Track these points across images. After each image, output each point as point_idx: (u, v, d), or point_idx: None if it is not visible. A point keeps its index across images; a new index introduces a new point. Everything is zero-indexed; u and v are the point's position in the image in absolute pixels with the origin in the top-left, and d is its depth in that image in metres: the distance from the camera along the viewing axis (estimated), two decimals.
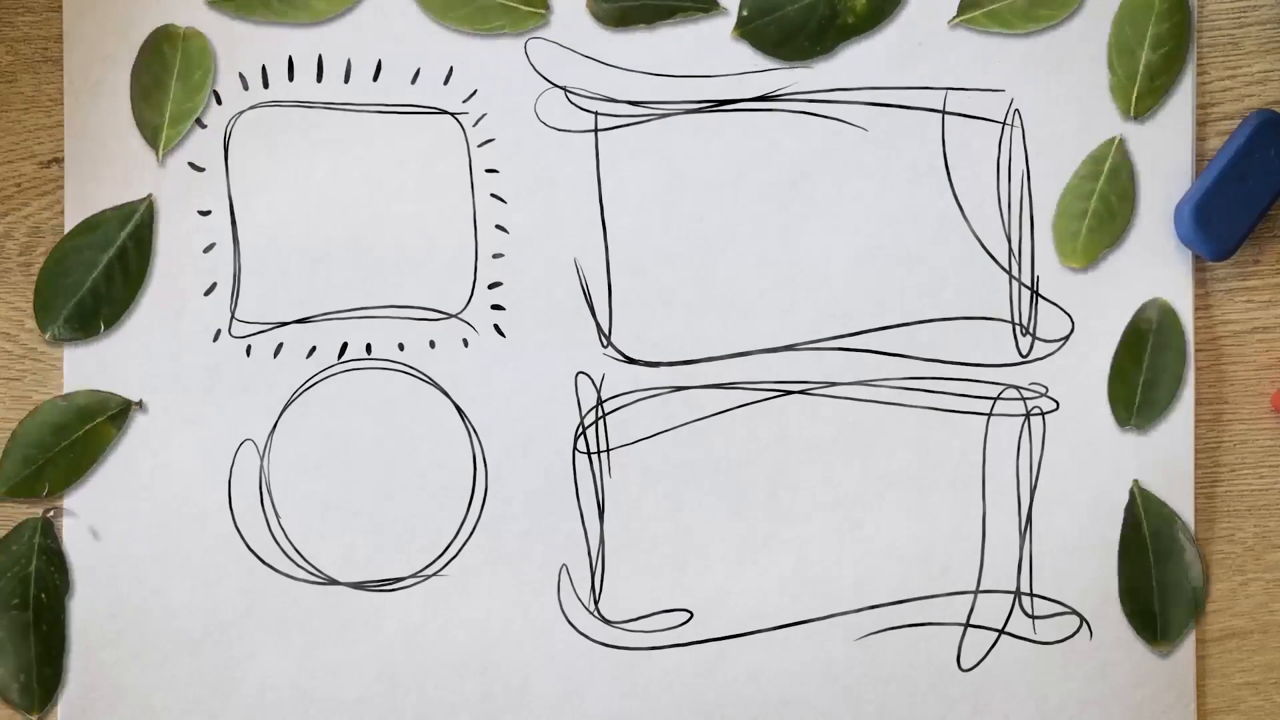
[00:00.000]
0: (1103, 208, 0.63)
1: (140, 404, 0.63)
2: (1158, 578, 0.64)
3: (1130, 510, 0.64)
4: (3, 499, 0.63)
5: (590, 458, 0.64)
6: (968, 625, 0.64)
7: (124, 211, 0.63)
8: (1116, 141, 0.63)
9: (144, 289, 0.63)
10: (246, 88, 0.63)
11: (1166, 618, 0.64)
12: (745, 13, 0.63)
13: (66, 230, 0.63)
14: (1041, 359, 0.64)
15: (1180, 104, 0.64)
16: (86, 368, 0.63)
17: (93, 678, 0.63)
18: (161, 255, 0.63)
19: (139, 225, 0.62)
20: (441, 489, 0.64)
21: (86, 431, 0.62)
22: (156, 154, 0.62)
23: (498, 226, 0.64)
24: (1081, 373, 0.64)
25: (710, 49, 0.63)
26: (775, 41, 0.63)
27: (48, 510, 0.63)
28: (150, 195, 0.63)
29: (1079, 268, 0.63)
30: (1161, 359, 0.63)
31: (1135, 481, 0.64)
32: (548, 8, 0.63)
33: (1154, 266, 0.64)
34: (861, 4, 0.62)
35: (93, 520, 0.63)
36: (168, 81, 0.62)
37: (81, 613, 0.63)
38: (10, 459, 0.62)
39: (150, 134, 0.62)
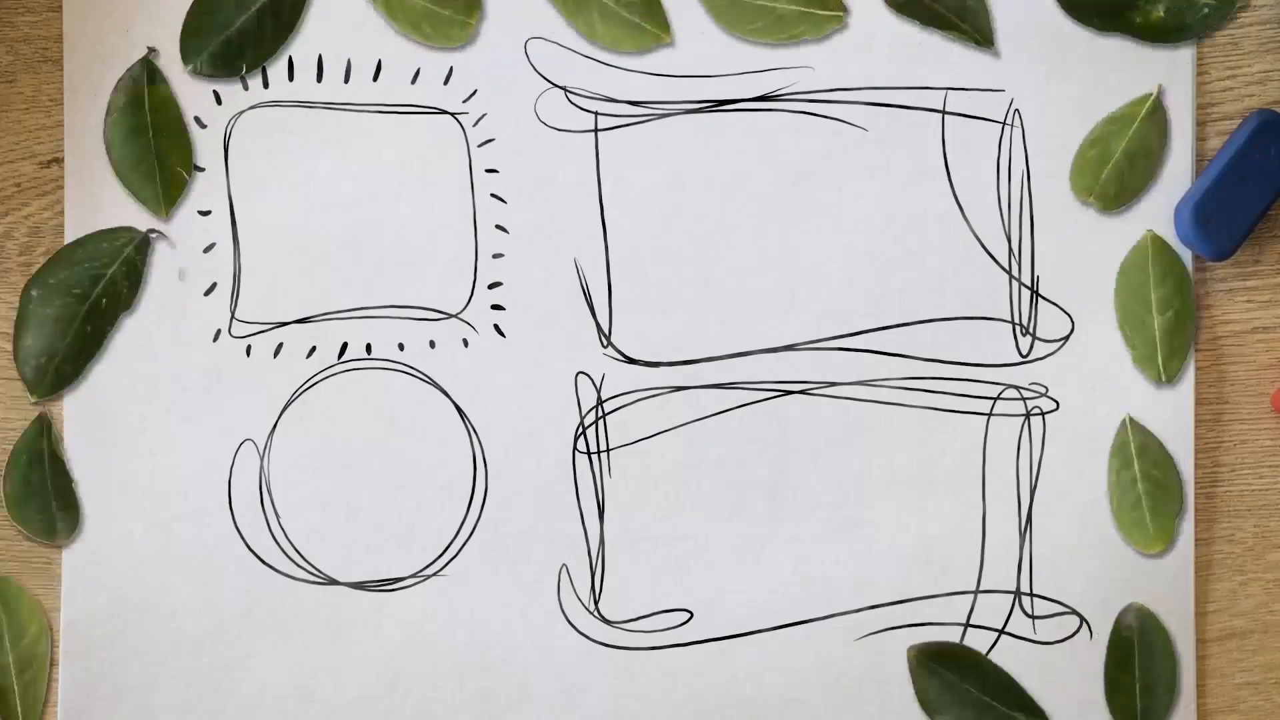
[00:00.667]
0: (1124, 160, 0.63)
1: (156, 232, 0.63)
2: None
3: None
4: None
5: (590, 458, 0.64)
6: (968, 625, 0.64)
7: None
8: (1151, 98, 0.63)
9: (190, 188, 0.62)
10: (246, 88, 0.63)
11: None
12: None
13: (66, 229, 0.63)
14: (1041, 359, 0.64)
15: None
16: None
17: (93, 677, 0.63)
18: (161, 255, 0.63)
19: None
20: (441, 489, 0.64)
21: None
22: (161, 213, 0.63)
23: (498, 226, 0.64)
24: (1081, 373, 0.64)
25: (711, 49, 0.63)
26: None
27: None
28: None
29: (1101, 207, 0.63)
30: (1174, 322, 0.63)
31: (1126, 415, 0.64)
32: (845, 9, 0.63)
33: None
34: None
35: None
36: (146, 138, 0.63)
37: (80, 612, 0.63)
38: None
39: (150, 200, 0.63)
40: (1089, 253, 0.64)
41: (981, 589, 0.64)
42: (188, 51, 0.62)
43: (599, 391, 0.64)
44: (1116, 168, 0.63)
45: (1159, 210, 0.64)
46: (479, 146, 0.64)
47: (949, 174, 0.64)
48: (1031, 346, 0.64)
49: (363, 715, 0.63)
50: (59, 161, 0.64)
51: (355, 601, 0.64)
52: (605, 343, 0.64)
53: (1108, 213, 0.63)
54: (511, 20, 0.63)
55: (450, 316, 0.64)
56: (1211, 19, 0.63)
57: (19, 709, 0.62)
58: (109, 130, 0.62)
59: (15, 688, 0.62)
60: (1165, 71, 0.63)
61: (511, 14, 0.63)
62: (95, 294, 0.62)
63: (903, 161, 0.64)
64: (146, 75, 0.62)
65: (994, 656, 0.64)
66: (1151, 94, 0.63)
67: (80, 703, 0.63)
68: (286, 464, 0.63)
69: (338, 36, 0.63)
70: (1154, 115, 0.63)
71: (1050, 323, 0.64)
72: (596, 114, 0.63)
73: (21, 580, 0.64)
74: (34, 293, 0.62)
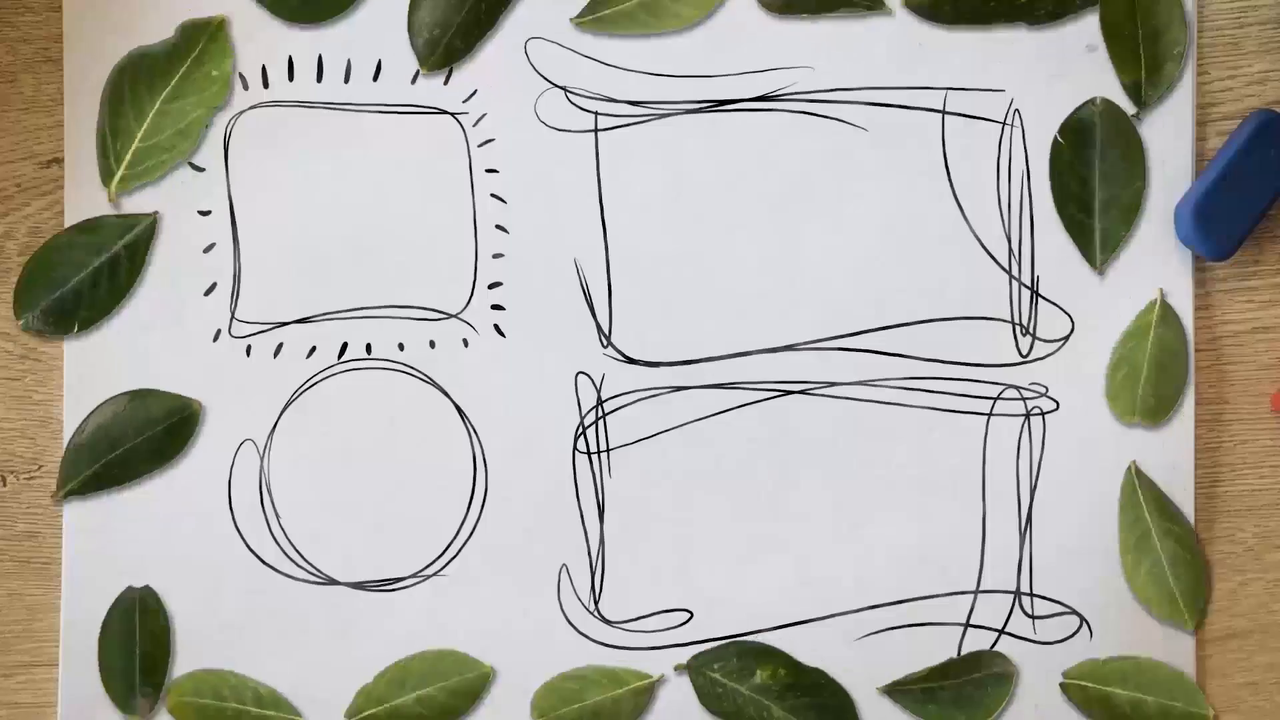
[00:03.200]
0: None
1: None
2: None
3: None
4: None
5: (590, 458, 0.64)
6: (968, 625, 0.64)
7: (127, 222, 0.62)
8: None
9: (133, 292, 0.63)
10: (246, 88, 0.63)
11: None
12: None
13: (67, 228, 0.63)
14: (1041, 359, 0.64)
15: (1180, 104, 0.64)
16: (87, 368, 0.63)
17: (93, 677, 0.63)
18: (161, 255, 0.63)
19: (137, 239, 0.62)
20: (441, 489, 0.64)
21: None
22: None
23: (498, 226, 0.64)
24: (1081, 373, 0.64)
25: (710, 49, 0.63)
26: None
27: None
28: (156, 213, 0.62)
29: (1150, 422, 0.64)
30: (1162, 359, 0.63)
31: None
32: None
33: (1154, 266, 0.64)
34: None
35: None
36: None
37: (80, 612, 0.63)
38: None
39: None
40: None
41: (981, 589, 0.64)
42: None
43: (599, 391, 0.64)
44: (1149, 383, 0.63)
45: (1159, 210, 0.64)
46: (479, 146, 0.64)
47: (949, 174, 0.64)
48: (1031, 346, 0.64)
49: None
50: (59, 161, 0.64)
51: (355, 601, 0.64)
52: (605, 343, 0.64)
53: (1157, 424, 0.64)
54: (512, 20, 0.63)
55: (450, 316, 0.64)
56: None
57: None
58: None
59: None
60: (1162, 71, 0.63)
61: (513, 13, 0.63)
62: None
63: (903, 162, 0.64)
64: None
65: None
66: (1155, 300, 0.63)
67: (80, 703, 0.63)
68: (286, 464, 0.63)
69: (338, 36, 0.63)
70: (1166, 319, 0.63)
71: (1050, 323, 0.64)
72: (596, 114, 0.63)
73: (22, 579, 0.64)
74: None
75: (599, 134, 0.63)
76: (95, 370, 0.63)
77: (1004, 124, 0.64)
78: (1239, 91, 0.64)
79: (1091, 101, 0.63)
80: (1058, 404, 0.64)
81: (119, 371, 0.63)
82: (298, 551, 0.63)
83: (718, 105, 0.64)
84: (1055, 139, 0.63)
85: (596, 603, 0.64)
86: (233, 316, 0.63)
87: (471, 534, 0.64)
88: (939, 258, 0.64)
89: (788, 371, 0.64)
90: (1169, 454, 0.64)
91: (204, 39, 0.62)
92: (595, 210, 0.64)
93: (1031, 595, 0.64)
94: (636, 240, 0.64)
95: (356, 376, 0.64)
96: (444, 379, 0.64)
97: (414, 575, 0.64)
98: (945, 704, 0.63)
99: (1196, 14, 0.64)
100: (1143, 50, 0.63)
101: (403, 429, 0.63)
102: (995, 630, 0.64)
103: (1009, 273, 0.64)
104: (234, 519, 0.63)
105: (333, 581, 0.64)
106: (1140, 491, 0.63)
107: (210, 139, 0.63)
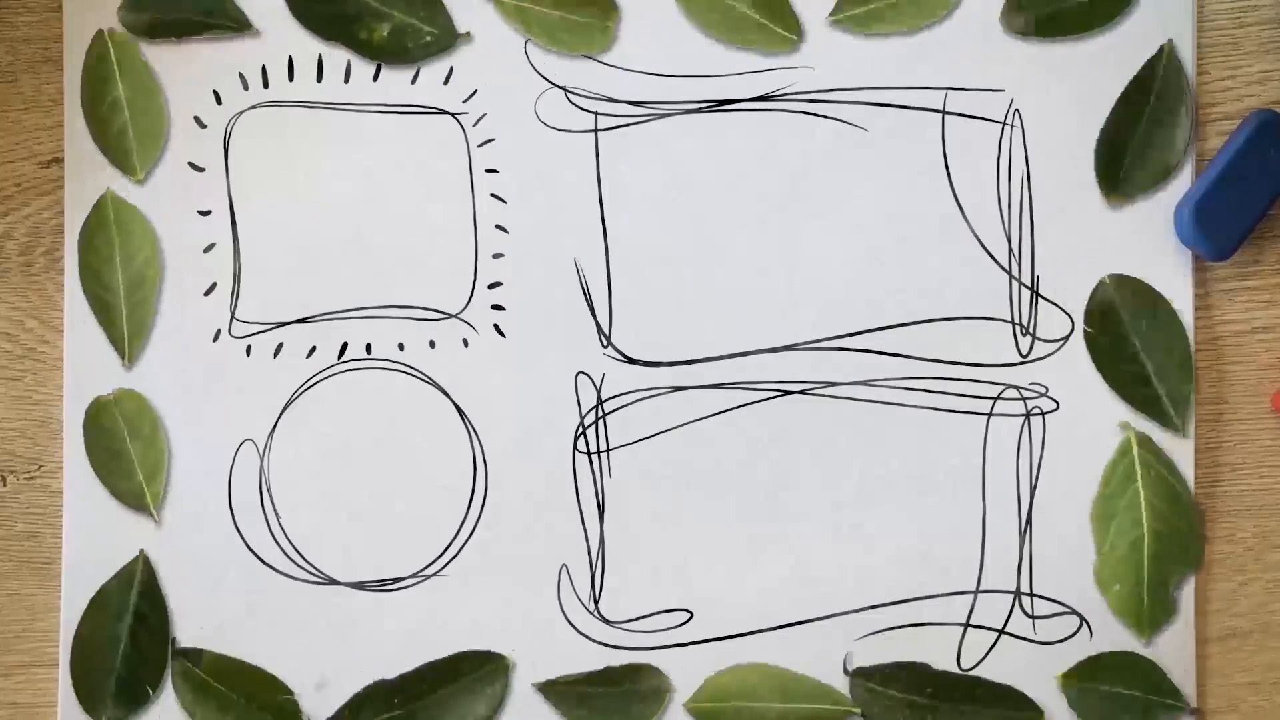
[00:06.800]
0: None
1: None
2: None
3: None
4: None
5: (590, 458, 0.64)
6: (968, 625, 0.64)
7: (124, 577, 0.63)
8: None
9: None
10: (246, 88, 0.63)
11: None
12: None
13: (66, 229, 0.63)
14: (1041, 359, 0.64)
15: (1181, 106, 0.64)
16: (87, 367, 0.63)
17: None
18: (161, 255, 0.63)
19: (144, 586, 0.63)
20: (441, 489, 0.64)
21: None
22: (153, 513, 0.63)
23: (498, 226, 0.64)
24: (1082, 372, 0.64)
25: (712, 49, 0.63)
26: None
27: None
28: (142, 551, 0.63)
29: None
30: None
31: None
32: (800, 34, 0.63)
33: (1154, 266, 0.64)
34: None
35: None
36: (112, 255, 0.63)
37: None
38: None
39: (135, 498, 0.63)
40: (1089, 253, 0.64)
41: (981, 589, 0.64)
42: (97, 710, 0.63)
43: (599, 391, 0.64)
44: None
45: (1159, 210, 0.64)
46: (479, 146, 0.64)
47: (949, 174, 0.64)
48: (1031, 346, 0.64)
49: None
50: (59, 161, 0.64)
51: (355, 601, 0.64)
52: (605, 343, 0.64)
53: (1118, 206, 0.63)
54: (512, 20, 0.63)
55: (450, 316, 0.64)
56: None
57: (125, 330, 0.62)
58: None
59: (124, 309, 0.62)
60: (1163, 70, 0.63)
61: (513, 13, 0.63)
62: None
63: (903, 161, 0.64)
64: None
65: (994, 656, 0.64)
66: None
67: (80, 703, 0.63)
68: (286, 464, 0.63)
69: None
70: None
71: (1050, 323, 0.64)
72: (596, 114, 0.63)
73: (22, 579, 0.64)
74: None
75: (599, 134, 0.63)
76: (95, 372, 0.63)
77: (1004, 124, 0.64)
78: (1239, 91, 0.64)
79: (1102, 282, 0.63)
80: (1058, 404, 0.64)
81: (119, 371, 0.63)
82: (298, 551, 0.63)
83: (718, 105, 0.64)
84: (1085, 329, 0.63)
85: (596, 603, 0.64)
86: (233, 316, 0.63)
87: (471, 534, 0.64)
88: (939, 258, 0.64)
89: (788, 371, 0.64)
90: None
91: None
92: (595, 210, 0.64)
93: (1031, 595, 0.64)
94: (636, 240, 0.64)
95: (356, 376, 0.64)
96: (444, 379, 0.64)
97: (414, 575, 0.64)
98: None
99: (1196, 14, 0.64)
100: None
101: (403, 429, 0.63)
102: (995, 630, 0.64)
103: (1009, 273, 0.64)
104: (234, 519, 0.63)
105: (333, 581, 0.64)
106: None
107: (210, 139, 0.63)
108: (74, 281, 0.63)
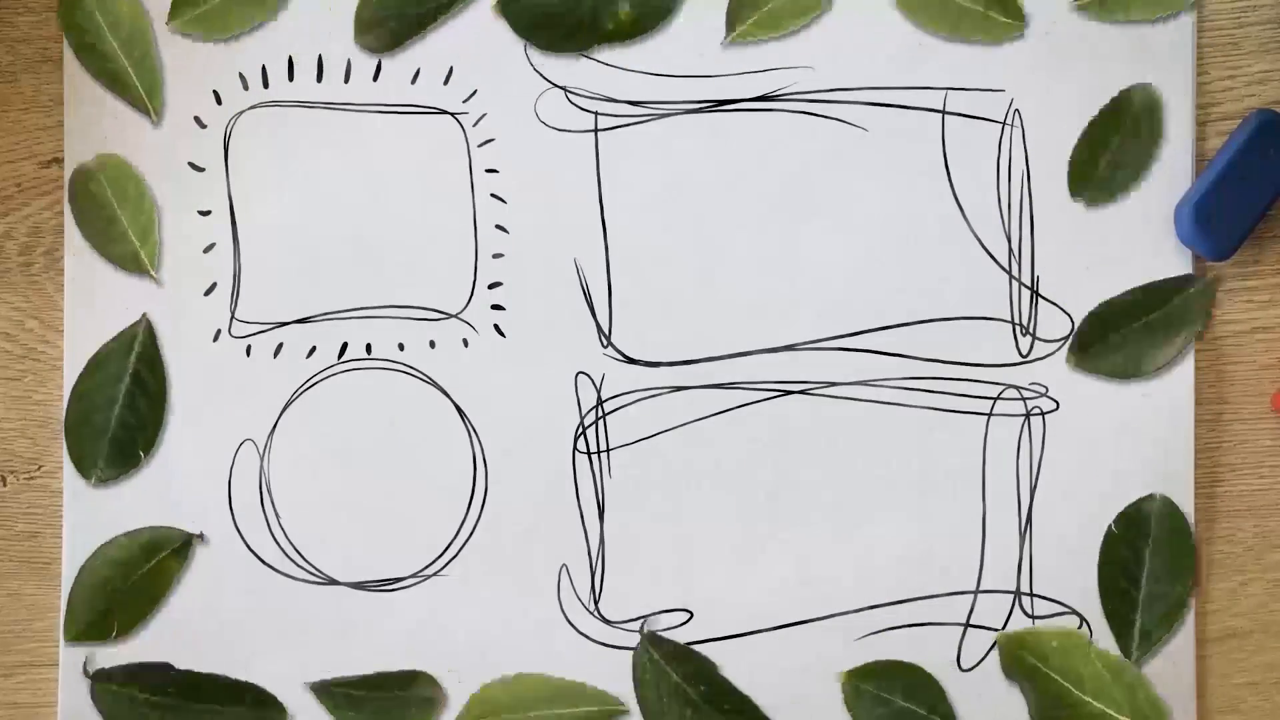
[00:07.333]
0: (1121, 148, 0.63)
1: (201, 536, 0.63)
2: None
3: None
4: (72, 643, 0.63)
5: (590, 458, 0.64)
6: (968, 625, 0.64)
7: (125, 339, 0.63)
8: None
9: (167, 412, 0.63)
10: (246, 88, 0.63)
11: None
12: None
13: (66, 229, 0.63)
14: (1041, 359, 0.64)
15: (1180, 104, 0.64)
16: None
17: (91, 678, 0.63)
18: (161, 255, 0.63)
19: (144, 349, 0.63)
20: (441, 489, 0.64)
21: (151, 568, 0.63)
22: (151, 273, 0.63)
23: (498, 226, 0.64)
24: (1081, 373, 0.64)
25: (711, 49, 0.63)
26: (527, 26, 0.63)
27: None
28: (144, 315, 0.63)
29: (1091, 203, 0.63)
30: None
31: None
32: (1024, 19, 0.63)
33: (1154, 267, 0.64)
34: (626, 13, 0.62)
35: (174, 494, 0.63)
36: (116, 214, 0.63)
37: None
38: (77, 602, 0.63)
39: (131, 261, 0.63)
40: (1089, 253, 0.64)
41: (981, 589, 0.64)
42: (86, 469, 0.63)
43: (599, 391, 0.64)
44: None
45: (1159, 210, 0.64)
46: (479, 146, 0.64)
47: (949, 174, 0.64)
48: (1031, 346, 0.64)
49: None
50: (59, 161, 0.64)
51: (355, 601, 0.64)
52: (605, 343, 0.64)
53: (1101, 206, 0.63)
54: (512, 20, 0.63)
55: (450, 316, 0.64)
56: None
57: (139, 85, 0.62)
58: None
59: (129, 67, 0.62)
60: (1165, 72, 0.63)
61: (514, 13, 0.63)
62: None
63: (903, 161, 0.64)
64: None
65: (994, 656, 0.64)
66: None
67: (81, 702, 0.63)
68: (286, 464, 0.63)
69: (338, 36, 0.63)
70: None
71: (1050, 323, 0.64)
72: (596, 114, 0.63)
73: (22, 579, 0.64)
74: None
75: (599, 134, 0.63)
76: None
77: (1004, 124, 0.64)
78: (1239, 91, 0.64)
79: (1150, 497, 0.63)
80: (1058, 404, 0.64)
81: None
82: (298, 551, 0.63)
83: (718, 105, 0.64)
84: (1110, 528, 0.63)
85: (596, 603, 0.64)
86: (233, 316, 0.63)
87: (471, 534, 0.64)
88: (939, 258, 0.64)
89: (788, 371, 0.64)
90: (1169, 453, 0.64)
91: None
92: (595, 210, 0.64)
93: (1031, 595, 0.64)
94: (636, 240, 0.64)
95: (356, 376, 0.64)
96: (444, 379, 0.64)
97: (414, 575, 0.64)
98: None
99: (1196, 14, 0.64)
100: None
101: (403, 429, 0.63)
102: (995, 630, 0.64)
103: (1009, 273, 0.64)
104: (233, 518, 0.63)
105: (333, 581, 0.64)
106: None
107: (210, 139, 0.63)
108: (74, 275, 0.63)
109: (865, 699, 0.63)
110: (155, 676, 0.63)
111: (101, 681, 0.63)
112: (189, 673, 0.63)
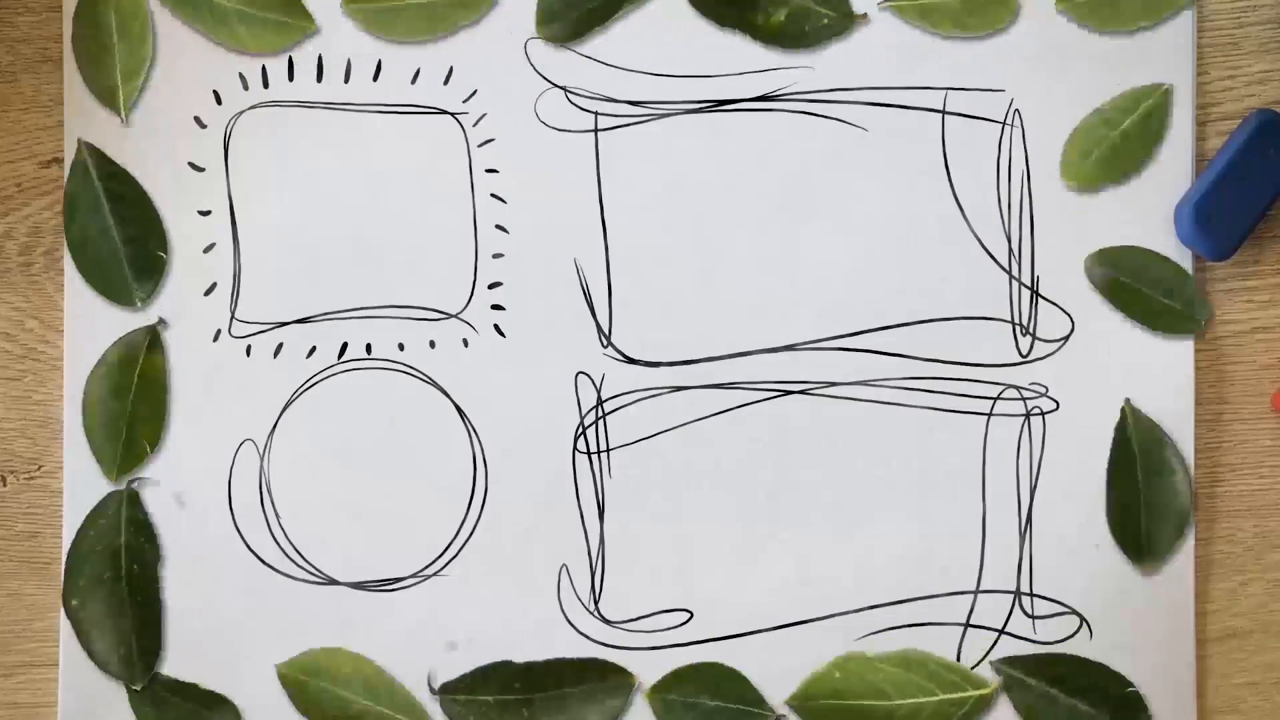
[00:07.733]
0: (1119, 140, 0.63)
1: (161, 322, 0.63)
2: (1146, 499, 0.63)
3: (1120, 429, 0.63)
4: (120, 480, 0.63)
5: (590, 458, 0.64)
6: (968, 625, 0.64)
7: (125, 339, 0.63)
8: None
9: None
10: (246, 88, 0.63)
11: (1153, 537, 0.63)
12: None
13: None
14: (1041, 359, 0.64)
15: (1180, 104, 0.64)
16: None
17: (93, 677, 0.63)
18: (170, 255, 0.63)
19: (145, 349, 0.63)
20: (441, 489, 0.64)
21: (140, 380, 0.62)
22: (120, 114, 0.62)
23: (498, 226, 0.64)
24: (1081, 372, 0.64)
25: (710, 49, 0.63)
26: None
27: (131, 481, 0.63)
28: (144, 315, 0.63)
29: (1080, 186, 0.63)
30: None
31: (1126, 401, 0.63)
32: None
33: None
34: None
35: (175, 487, 0.63)
36: (110, 43, 0.62)
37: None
38: (98, 441, 0.63)
39: (107, 96, 0.62)
40: (1089, 252, 0.64)
41: (981, 589, 0.64)
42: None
43: (599, 391, 0.64)
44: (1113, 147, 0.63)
45: (1159, 210, 0.64)
46: (479, 146, 0.64)
47: (949, 174, 0.64)
48: (1031, 346, 0.64)
49: None
50: (59, 161, 0.64)
51: (355, 601, 0.64)
52: (605, 343, 0.64)
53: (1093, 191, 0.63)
54: (512, 20, 0.63)
55: (450, 316, 0.64)
56: (829, 30, 0.62)
57: (139, 85, 0.62)
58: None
59: (130, 67, 0.62)
60: (1165, 71, 0.63)
61: (515, 13, 0.63)
62: None
63: (903, 161, 0.64)
64: None
65: (994, 656, 0.64)
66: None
67: (81, 703, 0.63)
68: (286, 464, 0.63)
69: (338, 36, 0.63)
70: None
71: (1050, 323, 0.64)
72: (596, 114, 0.63)
73: (22, 579, 0.64)
74: None
75: (599, 134, 0.63)
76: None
77: (1004, 124, 0.64)
78: (1239, 91, 0.64)
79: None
80: (1058, 404, 0.64)
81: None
82: (298, 551, 0.63)
83: (718, 105, 0.64)
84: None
85: (596, 603, 0.64)
86: (233, 316, 0.63)
87: (471, 534, 0.64)
88: (939, 258, 0.64)
89: (788, 371, 0.64)
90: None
91: None
92: (595, 210, 0.64)
93: (1031, 595, 0.64)
94: (636, 240, 0.64)
95: (356, 376, 0.64)
96: (444, 379, 0.64)
97: (414, 575, 0.64)
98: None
99: (1196, 14, 0.64)
100: None
101: (403, 429, 0.63)
102: (995, 630, 0.64)
103: (1009, 273, 0.64)
104: (234, 519, 0.63)
105: (333, 581, 0.64)
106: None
107: (210, 139, 0.63)
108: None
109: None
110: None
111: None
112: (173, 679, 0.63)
